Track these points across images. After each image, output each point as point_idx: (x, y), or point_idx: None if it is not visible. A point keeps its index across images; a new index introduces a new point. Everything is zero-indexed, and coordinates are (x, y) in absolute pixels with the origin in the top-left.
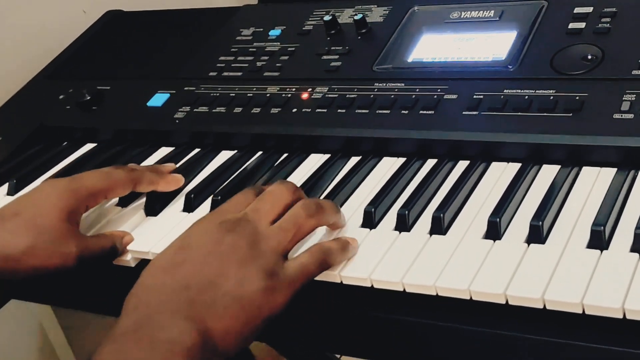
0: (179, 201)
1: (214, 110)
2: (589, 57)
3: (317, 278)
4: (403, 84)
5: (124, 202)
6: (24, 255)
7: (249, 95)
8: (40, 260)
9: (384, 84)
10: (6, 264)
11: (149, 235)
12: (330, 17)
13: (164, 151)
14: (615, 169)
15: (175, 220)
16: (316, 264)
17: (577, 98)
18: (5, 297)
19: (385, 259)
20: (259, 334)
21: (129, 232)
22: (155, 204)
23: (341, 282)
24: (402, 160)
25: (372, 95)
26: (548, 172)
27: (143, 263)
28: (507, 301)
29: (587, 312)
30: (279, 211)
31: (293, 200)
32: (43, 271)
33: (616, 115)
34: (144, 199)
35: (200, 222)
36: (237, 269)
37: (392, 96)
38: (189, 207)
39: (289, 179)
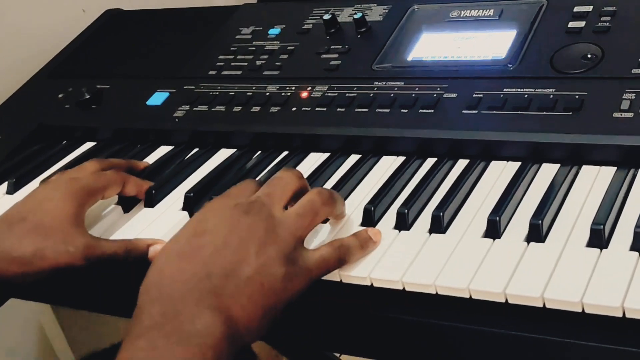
0: (179, 199)
1: (213, 109)
2: (589, 56)
3: None
4: (403, 83)
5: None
6: (33, 257)
7: (248, 94)
8: (49, 261)
9: (384, 83)
10: (16, 267)
11: (148, 232)
12: (330, 16)
13: (163, 150)
14: (614, 168)
15: (174, 219)
16: (336, 259)
17: (577, 97)
18: (5, 296)
19: (385, 257)
20: (276, 322)
21: (162, 240)
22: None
23: (340, 280)
24: (401, 159)
25: (371, 94)
26: (548, 171)
27: None
28: (506, 300)
29: (586, 311)
30: (289, 197)
31: (300, 187)
32: (53, 271)
33: (616, 114)
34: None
35: (213, 206)
36: (256, 254)
37: (392, 95)
38: (188, 206)
39: None
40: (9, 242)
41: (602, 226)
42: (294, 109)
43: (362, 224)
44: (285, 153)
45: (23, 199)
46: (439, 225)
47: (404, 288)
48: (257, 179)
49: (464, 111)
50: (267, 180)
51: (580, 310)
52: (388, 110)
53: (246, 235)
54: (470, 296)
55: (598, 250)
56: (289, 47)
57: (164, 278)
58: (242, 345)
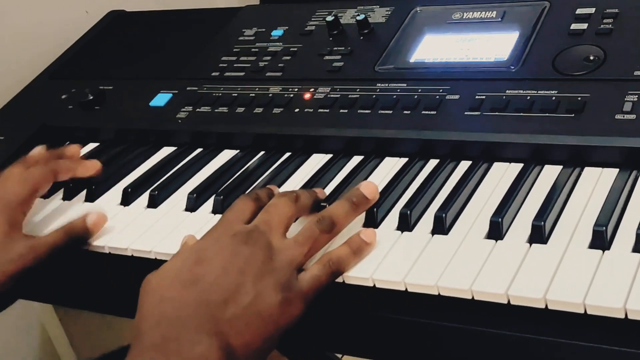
0: (182, 200)
1: (216, 110)
2: (591, 57)
3: None
4: (405, 85)
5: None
6: None
7: (251, 95)
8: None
9: (386, 85)
10: None
11: (151, 233)
12: (333, 18)
13: (166, 151)
14: (617, 170)
15: (177, 220)
16: (328, 274)
17: (579, 99)
18: (12, 297)
19: (387, 258)
20: (274, 346)
21: (94, 212)
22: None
23: (343, 281)
24: (404, 160)
25: (374, 96)
26: (550, 173)
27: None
28: (509, 301)
29: (589, 312)
30: (286, 224)
31: (297, 211)
32: (15, 277)
33: (618, 116)
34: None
35: (212, 235)
36: (254, 283)
37: (394, 96)
38: (191, 207)
39: (291, 179)
40: None
41: (604, 228)
42: (296, 110)
43: (365, 225)
44: (287, 154)
45: None
46: (441, 227)
47: (406, 289)
48: (257, 182)
49: (466, 113)
50: (264, 207)
51: (582, 312)
52: (390, 112)
53: (244, 265)
54: (473, 297)
55: (600, 251)
56: (291, 49)
57: (165, 304)
58: None
